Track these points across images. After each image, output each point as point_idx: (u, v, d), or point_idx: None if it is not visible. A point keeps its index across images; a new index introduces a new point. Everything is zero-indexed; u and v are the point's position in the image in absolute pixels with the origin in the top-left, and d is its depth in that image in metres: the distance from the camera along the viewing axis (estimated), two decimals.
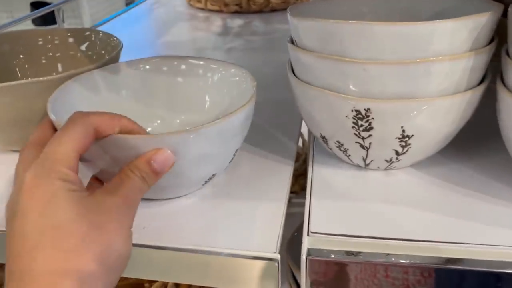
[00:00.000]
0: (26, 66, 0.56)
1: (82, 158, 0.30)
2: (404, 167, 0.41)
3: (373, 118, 0.34)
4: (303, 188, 0.91)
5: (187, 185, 0.37)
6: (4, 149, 0.48)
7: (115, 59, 0.48)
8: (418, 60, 0.32)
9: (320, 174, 0.41)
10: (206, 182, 0.38)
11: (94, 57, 0.55)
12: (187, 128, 0.32)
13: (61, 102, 0.37)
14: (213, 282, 0.35)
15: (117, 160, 0.32)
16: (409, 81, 0.33)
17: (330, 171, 0.42)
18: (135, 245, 0.34)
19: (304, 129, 0.51)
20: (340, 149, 0.39)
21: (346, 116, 0.35)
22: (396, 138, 0.36)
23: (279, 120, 0.53)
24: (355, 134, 0.36)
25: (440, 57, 0.32)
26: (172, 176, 0.33)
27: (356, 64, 0.33)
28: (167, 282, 0.61)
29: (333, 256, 0.33)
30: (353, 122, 0.35)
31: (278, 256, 0.33)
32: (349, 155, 0.39)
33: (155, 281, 0.65)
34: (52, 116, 0.33)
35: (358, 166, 0.41)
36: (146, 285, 0.66)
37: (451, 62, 0.32)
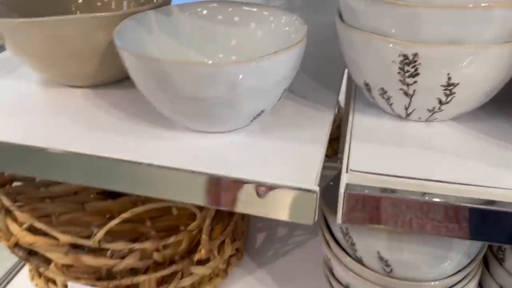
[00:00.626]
0: (84, 7, 0.59)
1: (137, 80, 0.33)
2: (445, 120, 0.42)
3: (420, 64, 0.35)
4: (336, 153, 0.93)
5: (238, 118, 0.39)
6: (64, 83, 0.52)
7: (167, 2, 0.50)
8: (470, 6, 0.32)
9: (361, 123, 0.43)
10: (254, 118, 0.40)
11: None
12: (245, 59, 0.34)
13: (123, 35, 0.40)
14: (256, 210, 0.38)
15: (174, 87, 0.34)
16: (460, 26, 0.33)
17: (370, 121, 0.43)
18: (185, 170, 0.37)
19: (340, 97, 0.52)
20: (383, 97, 0.41)
21: (393, 61, 0.36)
22: (441, 86, 0.36)
23: (321, 74, 0.54)
24: (400, 80, 0.37)
25: (493, 3, 0.32)
26: (226, 108, 0.36)
27: (408, 8, 0.34)
28: (203, 223, 0.64)
29: (369, 192, 0.35)
30: (399, 68, 0.36)
31: (317, 188, 0.36)
32: (392, 104, 0.41)
33: (191, 223, 0.68)
34: (118, 43, 0.36)
35: (399, 117, 0.43)
36: (182, 227, 0.70)
37: (507, 9, 0.32)
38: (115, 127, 0.44)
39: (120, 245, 0.55)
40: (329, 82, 0.52)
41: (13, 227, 0.55)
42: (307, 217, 0.37)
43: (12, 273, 0.71)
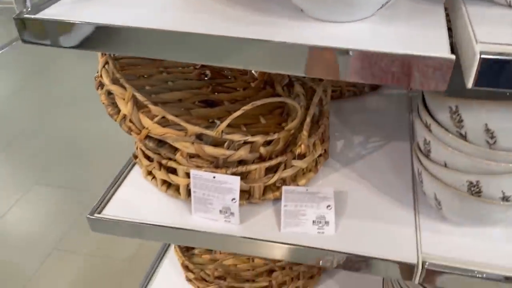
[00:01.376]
0: None
1: None
2: None
3: None
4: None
5: (370, 4, 0.46)
6: None
7: None
8: None
9: (474, 9, 0.49)
10: (381, 6, 0.47)
11: None
12: None
13: None
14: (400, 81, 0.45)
15: None
16: None
17: (481, 8, 0.49)
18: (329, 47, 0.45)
19: None
20: None
21: None
22: None
23: None
24: None
25: None
26: None
27: None
28: (298, 124, 0.72)
29: (499, 57, 0.41)
30: None
31: (453, 56, 0.43)
32: None
33: (278, 130, 0.76)
34: None
35: (508, 6, 0.48)
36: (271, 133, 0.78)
37: None
38: (247, 19, 0.51)
39: (237, 136, 0.64)
40: None
41: (145, 121, 0.64)
42: (441, 84, 0.44)
43: (122, 175, 0.79)
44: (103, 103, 0.68)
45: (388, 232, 0.65)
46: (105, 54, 0.68)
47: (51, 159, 1.96)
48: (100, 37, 0.51)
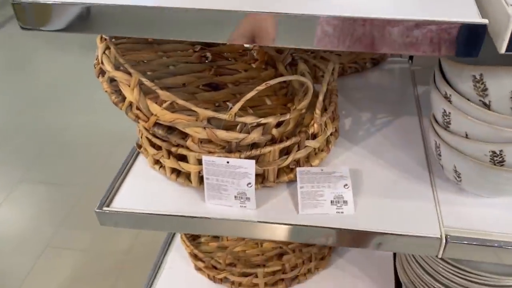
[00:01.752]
0: None
1: None
2: None
3: None
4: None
5: None
6: None
7: None
8: None
9: None
10: None
11: None
12: None
13: None
14: (425, 49, 0.43)
15: None
16: None
17: None
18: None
19: None
20: None
21: None
22: None
23: None
24: None
25: None
26: None
27: None
28: (309, 104, 0.70)
29: None
30: None
31: (486, 21, 0.41)
32: None
33: (284, 111, 0.74)
34: None
35: None
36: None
37: None
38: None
39: (249, 119, 0.61)
40: None
41: (153, 107, 0.61)
42: (474, 51, 0.42)
43: (127, 166, 0.76)
44: (106, 91, 0.65)
45: (407, 207, 0.64)
46: (105, 40, 0.64)
47: (34, 156, 1.89)
48: (96, 18, 0.48)
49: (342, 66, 0.93)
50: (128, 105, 0.63)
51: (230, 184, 0.64)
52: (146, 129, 0.65)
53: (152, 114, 0.61)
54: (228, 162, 0.63)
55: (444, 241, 0.59)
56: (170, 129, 0.64)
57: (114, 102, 0.64)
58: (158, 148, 0.68)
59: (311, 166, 0.70)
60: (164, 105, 0.60)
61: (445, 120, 0.59)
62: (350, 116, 0.83)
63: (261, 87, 0.59)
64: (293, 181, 0.68)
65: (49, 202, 1.67)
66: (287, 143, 0.65)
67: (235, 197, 0.65)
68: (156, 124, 0.62)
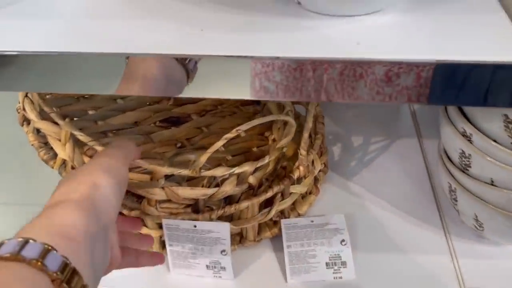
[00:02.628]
0: None
1: None
2: None
3: None
4: None
5: None
6: None
7: None
8: None
9: None
10: None
11: None
12: None
13: None
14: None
15: None
16: None
17: None
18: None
19: None
20: None
21: None
22: None
23: None
24: None
25: None
26: None
27: None
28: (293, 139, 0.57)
29: None
30: None
31: None
32: None
33: (262, 144, 0.62)
34: None
35: None
36: (254, 149, 0.63)
37: None
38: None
39: (219, 171, 0.48)
40: None
41: None
42: None
43: None
44: (32, 145, 0.50)
45: (418, 264, 0.53)
46: None
47: None
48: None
49: None
50: (61, 164, 0.49)
51: (200, 252, 0.51)
52: None
53: None
54: (195, 226, 0.50)
55: None
56: None
57: (43, 159, 0.50)
58: None
59: (299, 215, 0.58)
60: None
61: (463, 162, 0.47)
62: (338, 141, 0.71)
63: (231, 134, 0.46)
64: (278, 236, 0.56)
65: (16, 223, 1.53)
66: (268, 194, 0.52)
67: (207, 266, 0.52)
68: None
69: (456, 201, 0.51)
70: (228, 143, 0.64)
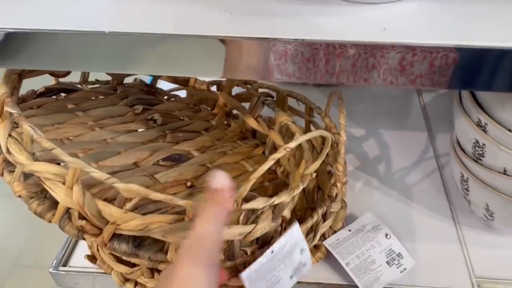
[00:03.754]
0: None
1: None
2: None
3: None
4: None
5: None
6: None
7: None
8: None
9: None
10: None
11: None
12: None
13: None
14: None
15: None
16: None
17: None
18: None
19: None
20: None
21: None
22: None
23: None
24: None
25: None
26: None
27: None
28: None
29: None
30: None
31: None
32: None
33: (273, 178, 0.56)
34: None
35: None
36: (266, 183, 0.57)
37: None
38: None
39: (260, 202, 0.41)
40: None
41: (110, 210, 0.38)
42: None
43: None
44: (20, 196, 0.40)
45: (430, 253, 0.52)
46: (9, 115, 0.40)
47: None
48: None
49: None
50: (63, 215, 0.38)
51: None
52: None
53: (107, 222, 0.38)
54: (272, 252, 0.42)
55: None
56: (137, 239, 0.41)
57: (36, 212, 0.39)
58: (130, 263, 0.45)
59: (334, 232, 0.52)
60: (131, 203, 0.37)
61: (477, 152, 0.47)
62: (349, 135, 0.68)
63: (279, 154, 0.39)
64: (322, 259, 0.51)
65: (13, 215, 1.47)
66: (314, 219, 0.46)
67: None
68: (114, 236, 0.39)
69: (468, 191, 0.51)
70: (237, 181, 0.58)
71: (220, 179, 0.36)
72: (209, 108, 0.67)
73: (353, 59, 0.32)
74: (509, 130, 0.43)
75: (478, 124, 0.46)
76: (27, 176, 0.41)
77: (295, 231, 0.44)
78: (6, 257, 1.38)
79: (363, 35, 0.31)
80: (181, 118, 0.63)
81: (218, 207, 0.34)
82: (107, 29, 0.33)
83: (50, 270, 0.53)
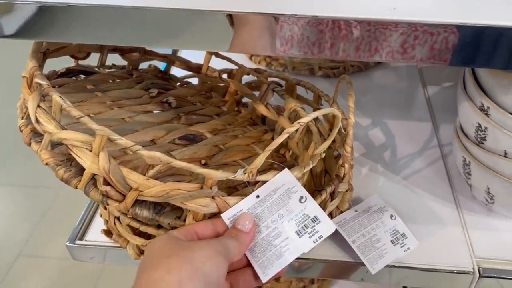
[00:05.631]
0: None
1: None
2: None
3: None
4: None
5: None
6: None
7: None
8: None
9: None
10: None
11: None
12: None
13: None
14: None
15: None
16: None
17: None
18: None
19: None
20: None
21: None
22: None
23: None
24: None
25: None
26: None
27: None
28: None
29: None
30: None
31: None
32: None
33: (283, 160, 0.58)
34: None
35: None
36: (275, 165, 0.59)
37: None
38: None
39: (272, 174, 0.44)
40: None
41: (133, 177, 0.40)
42: None
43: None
44: (47, 163, 0.42)
45: (433, 236, 0.54)
46: (39, 85, 0.42)
47: (1, 157, 1.70)
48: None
49: (344, 66, 0.84)
50: (89, 181, 0.41)
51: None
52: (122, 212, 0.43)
53: (131, 188, 0.40)
54: (258, 197, 0.43)
55: (477, 275, 0.50)
56: (158, 206, 0.43)
57: (63, 179, 0.41)
58: (145, 234, 0.46)
59: (341, 212, 0.54)
60: (154, 170, 0.40)
61: (479, 136, 0.49)
62: (357, 127, 0.71)
63: (293, 127, 0.42)
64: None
65: (19, 205, 1.53)
66: (323, 197, 0.48)
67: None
68: (136, 202, 0.41)
69: (470, 175, 0.53)
70: (246, 161, 0.60)
71: (244, 221, 0.41)
72: (220, 96, 0.70)
73: (360, 37, 0.34)
74: (511, 114, 0.45)
75: (481, 108, 0.48)
76: (53, 147, 0.43)
77: (285, 175, 0.43)
78: (10, 247, 1.40)
79: (374, 14, 0.33)
80: (194, 103, 0.66)
81: (235, 243, 0.39)
82: (130, 3, 0.35)
83: (67, 243, 0.54)
